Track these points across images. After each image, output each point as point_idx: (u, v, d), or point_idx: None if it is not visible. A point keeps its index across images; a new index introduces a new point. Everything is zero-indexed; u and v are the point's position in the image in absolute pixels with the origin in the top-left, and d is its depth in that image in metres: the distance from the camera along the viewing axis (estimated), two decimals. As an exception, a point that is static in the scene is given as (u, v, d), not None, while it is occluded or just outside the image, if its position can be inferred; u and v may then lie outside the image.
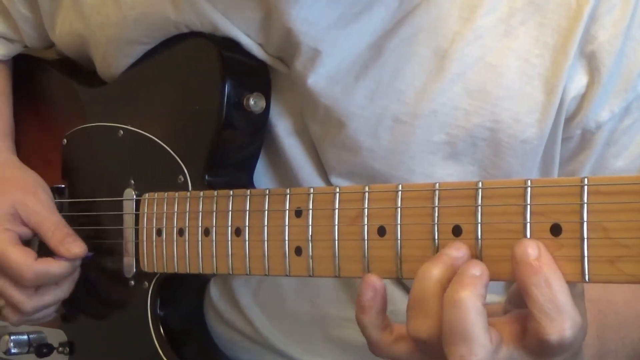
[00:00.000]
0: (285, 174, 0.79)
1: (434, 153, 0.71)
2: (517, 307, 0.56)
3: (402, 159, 0.72)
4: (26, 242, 0.87)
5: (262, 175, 0.80)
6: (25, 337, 0.94)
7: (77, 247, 0.83)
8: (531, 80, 0.69)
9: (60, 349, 0.92)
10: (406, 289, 0.78)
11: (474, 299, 0.51)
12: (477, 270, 0.53)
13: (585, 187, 0.51)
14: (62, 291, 0.87)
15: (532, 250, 0.51)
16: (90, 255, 0.85)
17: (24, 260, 0.82)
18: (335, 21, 0.70)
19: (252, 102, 0.76)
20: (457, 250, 0.54)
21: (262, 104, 0.77)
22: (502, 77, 0.69)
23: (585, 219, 0.51)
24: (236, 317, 0.84)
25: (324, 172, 0.78)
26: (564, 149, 0.72)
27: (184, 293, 0.84)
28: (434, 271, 0.54)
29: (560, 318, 0.50)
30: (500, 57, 0.69)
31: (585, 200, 0.51)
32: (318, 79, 0.72)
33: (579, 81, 0.69)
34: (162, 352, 0.80)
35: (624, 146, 0.71)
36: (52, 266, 0.83)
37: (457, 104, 0.70)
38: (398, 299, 0.78)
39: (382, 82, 0.71)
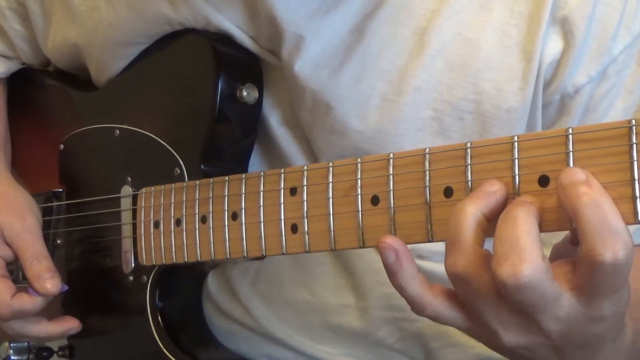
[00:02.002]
0: (279, 164, 0.81)
1: (421, 130, 0.73)
2: None
3: (391, 137, 0.73)
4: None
5: (257, 167, 0.82)
6: (25, 343, 0.94)
7: (50, 284, 0.85)
8: (509, 50, 0.71)
9: (60, 352, 0.93)
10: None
11: (527, 215, 0.51)
12: (530, 198, 0.53)
13: (570, 136, 0.52)
14: (49, 331, 0.88)
15: (580, 174, 0.50)
16: (65, 289, 0.87)
17: (0, 297, 0.84)
18: (317, 7, 0.73)
19: (245, 93, 0.78)
20: (491, 186, 0.54)
21: (255, 94, 0.79)
22: (480, 50, 0.71)
23: (571, 166, 0.52)
24: (235, 307, 0.85)
25: (315, 160, 0.79)
26: (544, 116, 0.74)
27: (182, 286, 0.84)
28: (468, 206, 0.54)
29: (613, 238, 0.49)
30: (477, 30, 0.71)
31: (571, 149, 0.52)
32: (304, 65, 0.74)
33: (554, 47, 0.71)
34: (162, 343, 0.80)
35: (604, 112, 0.73)
36: (27, 304, 0.85)
37: (439, 79, 0.72)
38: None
39: (367, 63, 0.73)
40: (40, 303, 0.85)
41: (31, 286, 0.85)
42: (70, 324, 0.88)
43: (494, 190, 0.54)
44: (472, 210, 0.54)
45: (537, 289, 0.51)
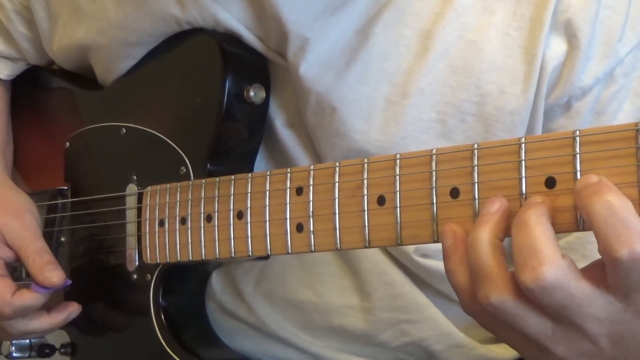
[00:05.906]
0: (283, 166, 0.80)
1: (425, 132, 0.73)
2: None
3: (395, 139, 0.74)
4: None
5: (262, 168, 0.82)
6: (27, 340, 0.94)
7: (55, 276, 0.84)
8: (512, 52, 0.72)
9: (62, 350, 0.93)
10: (407, 272, 0.79)
11: (539, 216, 0.50)
12: (539, 198, 0.52)
13: (577, 138, 0.53)
14: (51, 322, 0.87)
15: (592, 177, 0.50)
16: (68, 283, 0.86)
17: (1, 295, 0.83)
18: (323, 9, 0.73)
19: (252, 93, 0.78)
20: (492, 205, 0.54)
21: (262, 95, 0.79)
22: (483, 52, 0.72)
23: (578, 168, 0.52)
24: (239, 306, 0.85)
25: (320, 162, 0.79)
26: (552, 120, 0.74)
27: (186, 285, 0.85)
28: (479, 235, 0.53)
29: (626, 232, 0.47)
30: (480, 33, 0.72)
31: (578, 151, 0.53)
32: (309, 67, 0.74)
33: (558, 49, 0.72)
34: (165, 342, 0.80)
35: (613, 114, 0.73)
36: (29, 300, 0.84)
37: (443, 81, 0.72)
38: (399, 283, 0.80)
39: (372, 65, 0.73)
40: (42, 298, 0.84)
41: (34, 280, 0.84)
42: (70, 309, 0.87)
43: (496, 208, 0.54)
44: (485, 238, 0.53)
45: (564, 287, 0.49)
